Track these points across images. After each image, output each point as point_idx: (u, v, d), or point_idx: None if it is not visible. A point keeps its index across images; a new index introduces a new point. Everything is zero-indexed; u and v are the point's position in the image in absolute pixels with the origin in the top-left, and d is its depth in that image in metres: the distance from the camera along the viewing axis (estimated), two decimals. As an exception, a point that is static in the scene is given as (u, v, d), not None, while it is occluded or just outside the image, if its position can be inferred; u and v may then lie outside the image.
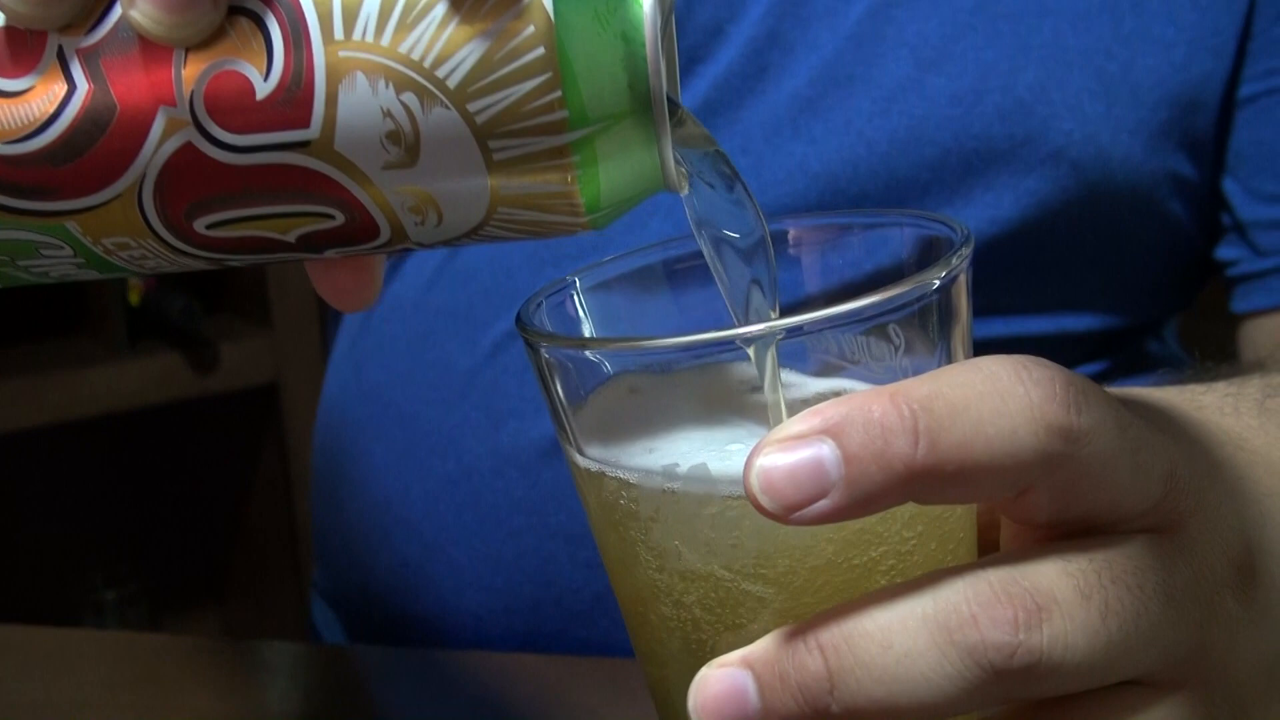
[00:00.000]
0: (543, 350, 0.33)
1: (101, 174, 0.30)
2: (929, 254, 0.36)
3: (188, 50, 0.29)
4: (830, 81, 0.60)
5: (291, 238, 0.31)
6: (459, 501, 0.62)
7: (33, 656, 0.63)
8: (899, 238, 0.37)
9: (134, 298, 1.36)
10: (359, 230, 0.31)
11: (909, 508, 0.31)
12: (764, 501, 0.28)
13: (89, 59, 0.30)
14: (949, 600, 0.28)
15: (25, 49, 0.29)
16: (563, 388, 0.34)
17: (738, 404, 0.35)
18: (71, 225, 0.31)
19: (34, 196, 0.30)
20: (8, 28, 0.30)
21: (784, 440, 0.28)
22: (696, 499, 0.32)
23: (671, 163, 0.31)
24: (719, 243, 0.34)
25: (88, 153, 0.30)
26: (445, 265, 0.64)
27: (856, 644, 0.28)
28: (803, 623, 0.29)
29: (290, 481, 1.39)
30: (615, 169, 0.31)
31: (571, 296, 0.37)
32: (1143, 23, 0.60)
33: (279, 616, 1.47)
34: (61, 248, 0.31)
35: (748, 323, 0.34)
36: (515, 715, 0.55)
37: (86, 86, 0.29)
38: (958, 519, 0.34)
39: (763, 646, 0.30)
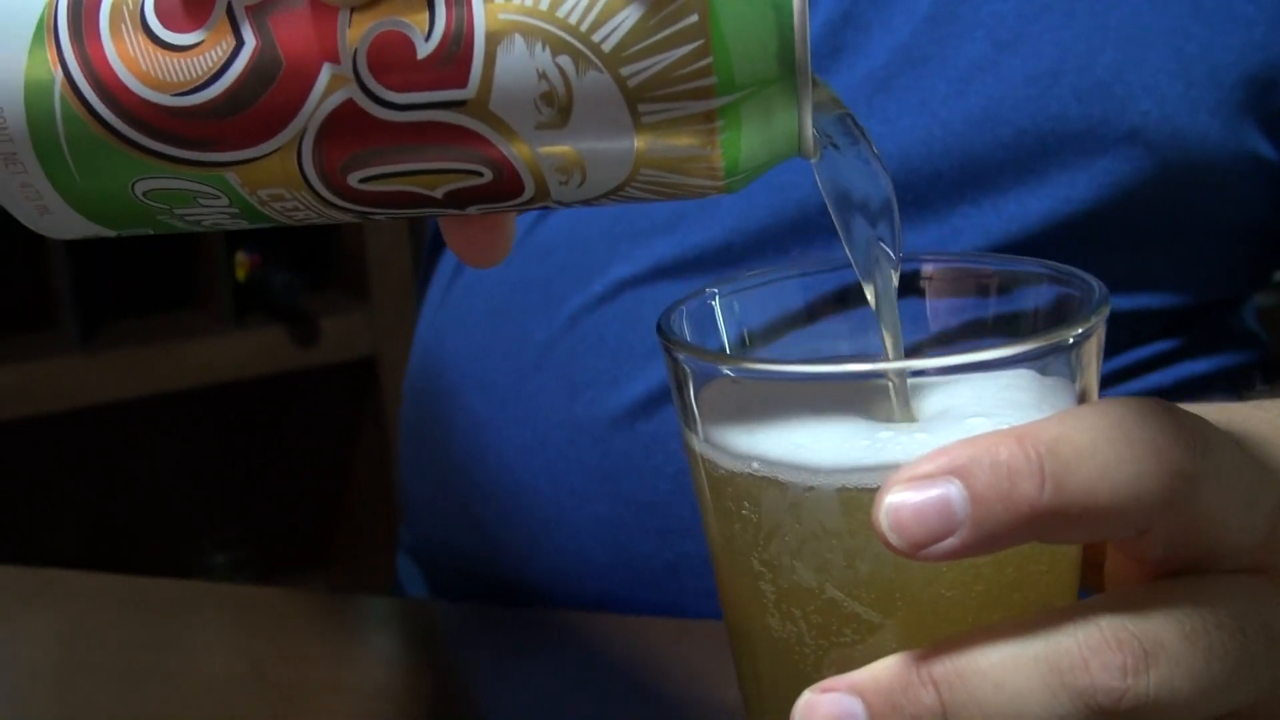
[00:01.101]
0: (680, 359, 0.34)
1: (264, 127, 0.31)
2: (1064, 306, 0.36)
3: (353, 9, 0.30)
4: (906, 62, 0.60)
5: (439, 194, 0.32)
6: (533, 468, 0.63)
7: (152, 606, 0.67)
8: (1035, 287, 0.37)
9: (241, 274, 1.40)
10: (505, 188, 0.32)
11: (1028, 544, 0.32)
12: (892, 539, 0.29)
13: (256, 15, 0.30)
14: (1061, 643, 0.29)
15: (196, 4, 0.30)
16: (695, 391, 0.34)
17: (871, 405, 0.35)
18: (231, 176, 0.31)
19: (198, 147, 0.31)
20: None
21: (912, 480, 0.29)
22: (820, 514, 0.32)
23: (810, 130, 0.32)
24: (846, 205, 0.35)
25: (253, 106, 0.30)
26: (524, 240, 0.66)
27: (970, 681, 0.29)
28: (916, 653, 0.30)
29: (387, 451, 1.43)
30: (757, 134, 0.31)
31: (710, 303, 0.38)
32: (1222, 1, 0.59)
33: (380, 579, 1.51)
34: (219, 197, 0.32)
35: (872, 285, 0.35)
36: (585, 669, 0.57)
37: (254, 42, 0.30)
38: (1071, 554, 0.34)
39: (873, 675, 0.30)
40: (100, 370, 1.33)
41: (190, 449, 1.56)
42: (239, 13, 0.30)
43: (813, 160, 0.34)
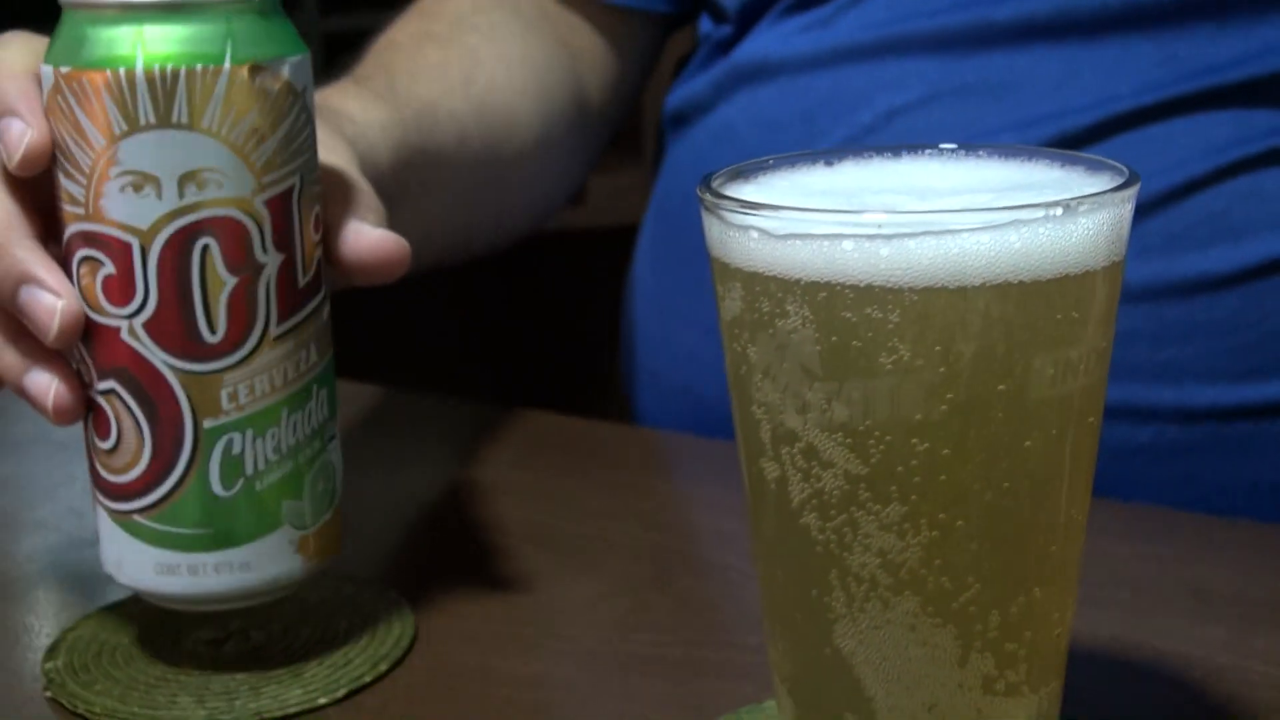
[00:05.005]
0: (706, 198, 0.36)
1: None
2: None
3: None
4: None
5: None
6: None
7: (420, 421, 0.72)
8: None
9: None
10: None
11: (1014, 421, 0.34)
12: None
13: (150, 425, 0.45)
14: None
15: (104, 421, 0.45)
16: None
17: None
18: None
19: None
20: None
21: None
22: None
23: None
24: None
25: (165, 475, 0.45)
26: (771, 78, 0.64)
27: None
28: None
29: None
30: None
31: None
32: None
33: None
34: None
35: None
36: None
37: (150, 442, 0.45)
38: (1068, 437, 0.35)
39: None
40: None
41: (448, 309, 1.60)
42: (143, 429, 0.44)
43: None
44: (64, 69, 0.42)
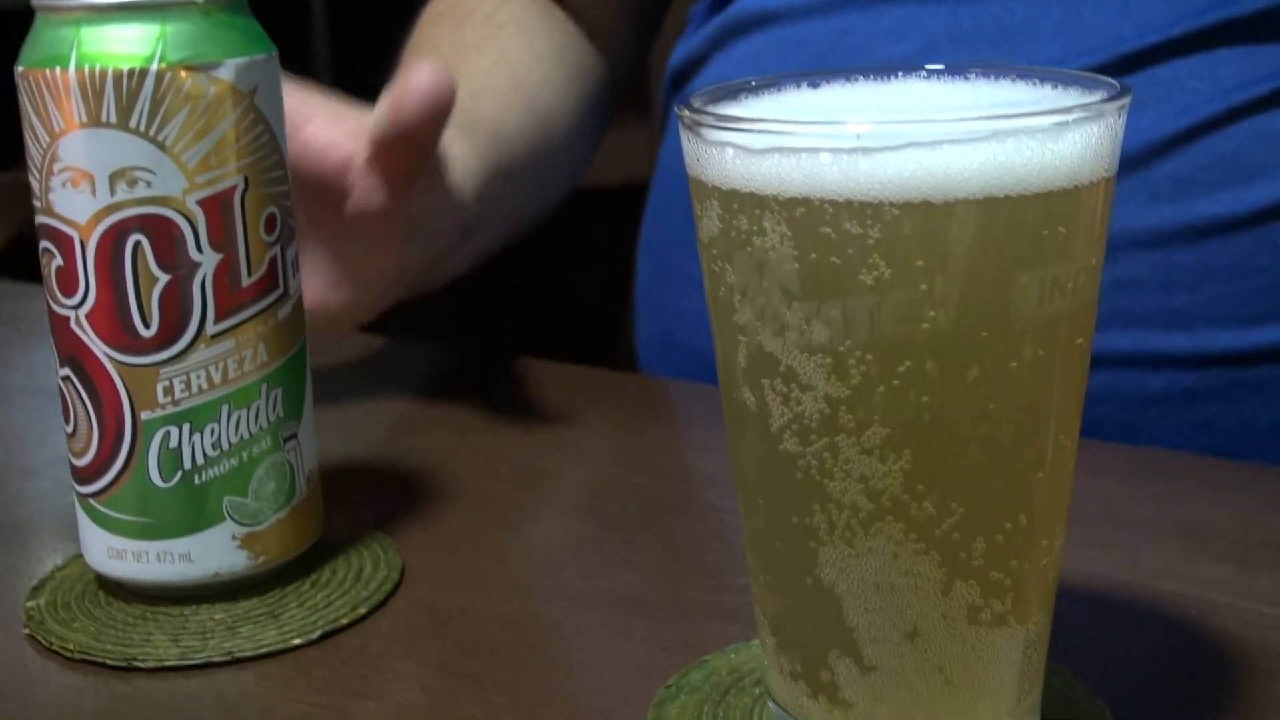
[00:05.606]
0: (683, 114, 0.36)
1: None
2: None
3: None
4: None
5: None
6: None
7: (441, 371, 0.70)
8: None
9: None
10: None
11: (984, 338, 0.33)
12: None
13: (96, 409, 0.45)
14: None
15: (66, 411, 0.46)
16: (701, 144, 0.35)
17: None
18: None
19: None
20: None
21: None
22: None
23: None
24: None
25: (112, 453, 0.45)
26: (768, 31, 0.63)
27: None
28: None
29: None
30: None
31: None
32: None
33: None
34: None
35: None
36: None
37: (96, 427, 0.46)
38: (1046, 367, 0.34)
39: None
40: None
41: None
42: (91, 416, 0.45)
43: None
44: (20, 68, 0.44)
